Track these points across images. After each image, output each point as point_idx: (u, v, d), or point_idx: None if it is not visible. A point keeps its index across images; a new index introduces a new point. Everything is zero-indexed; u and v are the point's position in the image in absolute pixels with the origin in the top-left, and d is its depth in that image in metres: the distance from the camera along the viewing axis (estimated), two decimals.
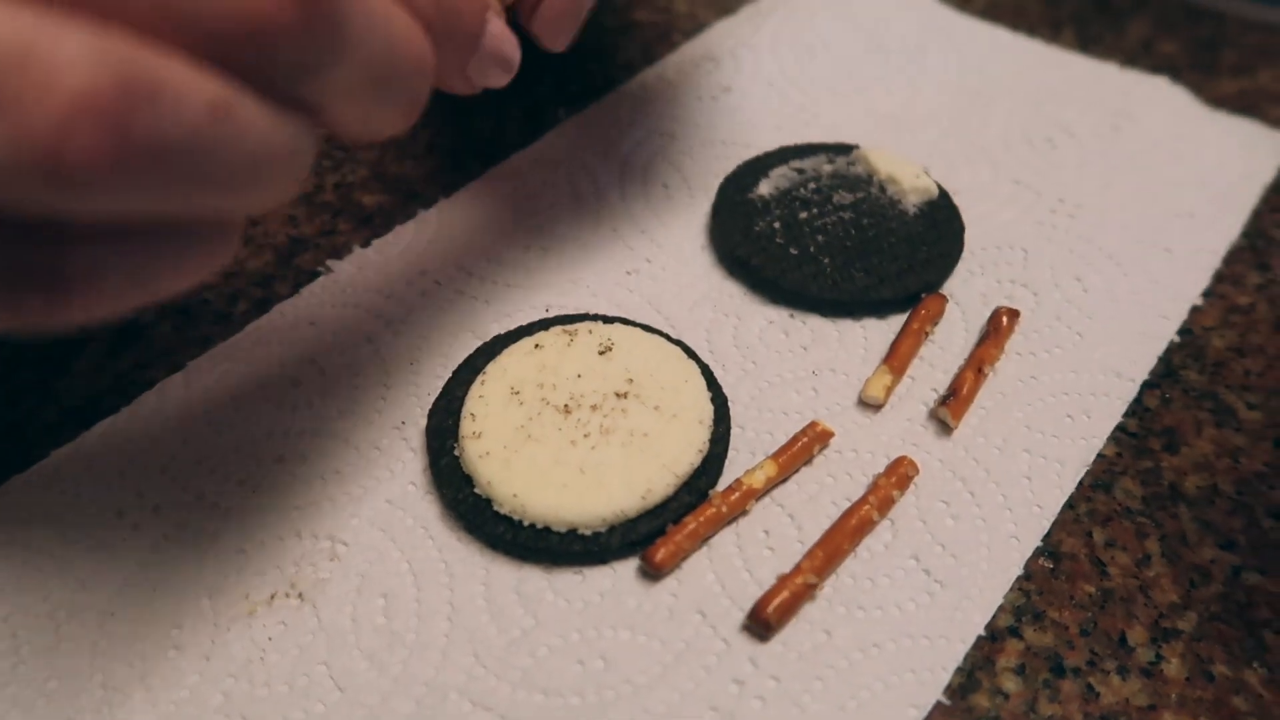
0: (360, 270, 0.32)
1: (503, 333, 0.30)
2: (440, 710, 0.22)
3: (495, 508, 0.25)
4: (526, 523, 0.24)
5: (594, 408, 0.26)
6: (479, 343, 0.29)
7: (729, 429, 0.27)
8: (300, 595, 0.24)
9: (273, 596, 0.24)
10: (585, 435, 0.26)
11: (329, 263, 0.32)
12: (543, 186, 0.35)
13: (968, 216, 0.34)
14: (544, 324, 0.29)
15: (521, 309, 0.31)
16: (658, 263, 0.32)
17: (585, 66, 0.34)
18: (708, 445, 0.26)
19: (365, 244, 0.33)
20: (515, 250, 0.33)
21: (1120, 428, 0.28)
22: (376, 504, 0.26)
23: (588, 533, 0.24)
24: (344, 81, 0.16)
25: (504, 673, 0.23)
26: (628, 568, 0.25)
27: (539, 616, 0.24)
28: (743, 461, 0.27)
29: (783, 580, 0.24)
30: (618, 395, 0.27)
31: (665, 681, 0.23)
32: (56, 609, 0.24)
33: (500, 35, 0.22)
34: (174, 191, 0.14)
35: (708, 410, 0.27)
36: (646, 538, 0.25)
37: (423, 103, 0.19)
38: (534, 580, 0.24)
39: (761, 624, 0.23)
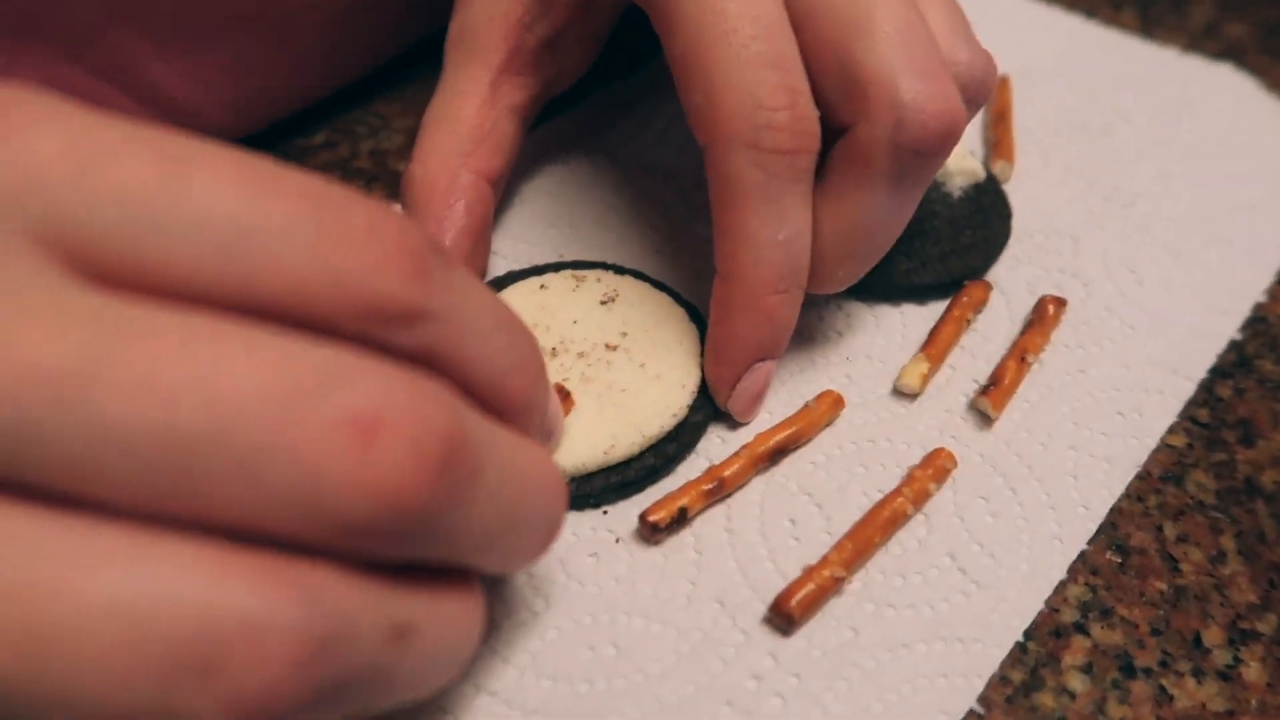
0: None
1: (515, 270, 0.29)
2: (444, 693, 0.21)
3: None
4: None
5: (580, 355, 0.25)
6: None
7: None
8: None
9: None
10: (564, 381, 0.25)
11: None
12: (574, 158, 0.34)
13: (1016, 203, 0.32)
14: (556, 267, 0.29)
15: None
16: (694, 234, 0.31)
17: (622, 39, 0.33)
18: (685, 411, 0.25)
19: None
20: (543, 219, 0.32)
21: (1191, 418, 0.27)
22: None
23: None
24: (485, 536, 0.16)
25: (511, 656, 0.22)
26: (645, 552, 0.23)
27: (549, 599, 0.23)
28: (741, 438, 0.26)
29: (808, 572, 0.22)
30: (607, 347, 0.26)
31: (679, 672, 0.21)
32: None
33: (555, 416, 0.22)
34: (349, 710, 0.15)
35: (694, 376, 0.25)
36: (600, 492, 0.24)
37: (561, 526, 0.19)
38: (545, 562, 0.23)
39: (784, 617, 0.22)
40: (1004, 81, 0.36)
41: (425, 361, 0.16)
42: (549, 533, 0.18)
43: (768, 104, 0.22)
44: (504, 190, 0.31)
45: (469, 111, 0.28)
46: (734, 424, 0.26)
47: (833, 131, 0.24)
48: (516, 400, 0.18)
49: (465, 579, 0.17)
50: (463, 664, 0.17)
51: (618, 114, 0.35)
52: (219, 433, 0.13)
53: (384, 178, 0.34)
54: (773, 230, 0.23)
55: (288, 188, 0.14)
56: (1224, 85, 0.38)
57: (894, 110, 0.22)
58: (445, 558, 0.16)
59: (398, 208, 0.19)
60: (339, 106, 0.36)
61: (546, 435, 0.21)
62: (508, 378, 0.17)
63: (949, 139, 0.22)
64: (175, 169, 0.14)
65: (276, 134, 0.34)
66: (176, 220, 0.14)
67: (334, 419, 0.13)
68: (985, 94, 0.25)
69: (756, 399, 0.25)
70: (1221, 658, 0.22)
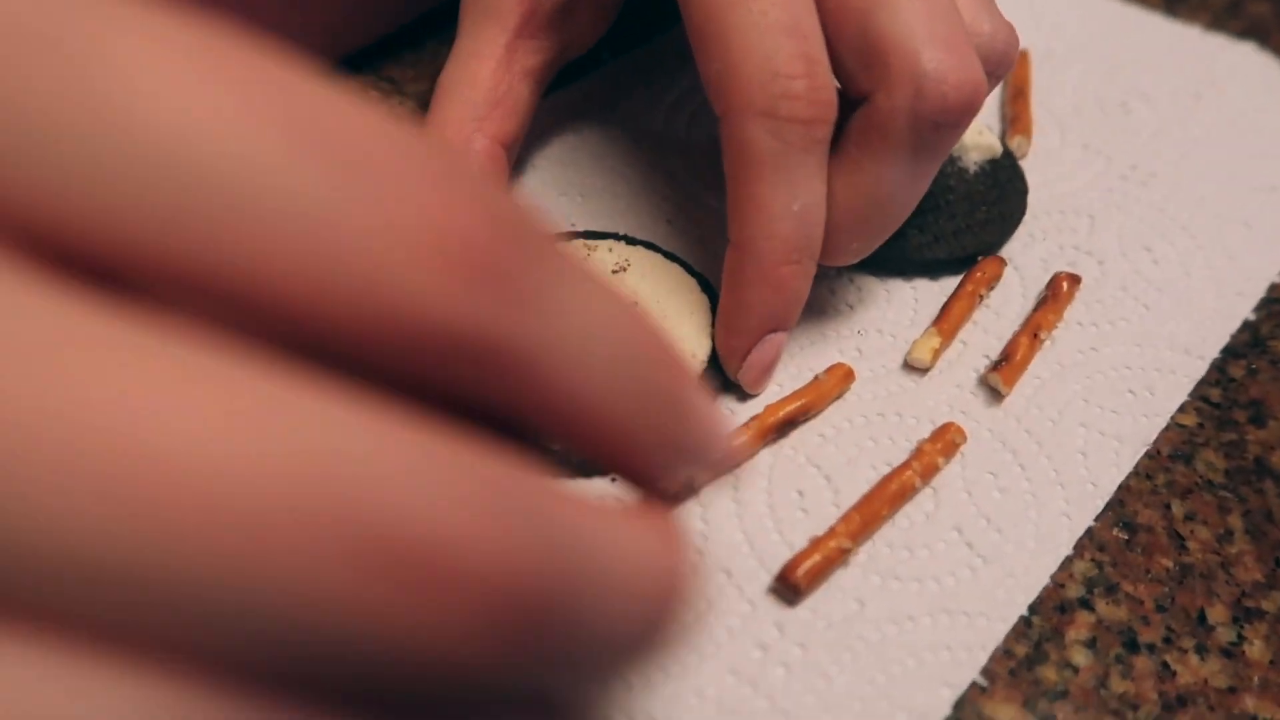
0: None
1: None
2: None
3: None
4: None
5: None
6: None
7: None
8: None
9: None
10: None
11: None
12: (587, 127, 0.34)
13: (1032, 179, 0.32)
14: (567, 236, 0.29)
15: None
16: (706, 205, 0.31)
17: (640, 6, 0.33)
18: None
19: None
20: (555, 188, 0.31)
21: (1203, 398, 0.27)
22: None
23: (555, 446, 0.23)
24: (573, 669, 0.11)
25: None
26: None
27: None
28: (750, 410, 0.25)
29: (815, 543, 0.22)
30: None
31: (684, 642, 0.21)
32: None
33: (707, 439, 0.14)
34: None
35: (703, 347, 0.25)
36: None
37: (676, 625, 0.12)
38: None
39: (790, 587, 0.22)
40: (1023, 57, 0.36)
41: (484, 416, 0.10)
42: (652, 643, 0.12)
43: (785, 72, 0.22)
44: (516, 158, 0.31)
45: (484, 75, 0.27)
46: (743, 395, 0.26)
47: (850, 102, 0.23)
48: (644, 463, 0.12)
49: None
50: None
51: (632, 83, 0.35)
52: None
53: None
54: (786, 200, 0.23)
55: (290, 101, 0.09)
56: (1246, 64, 0.37)
57: (915, 81, 0.22)
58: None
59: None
60: (350, 71, 0.36)
61: (709, 464, 0.14)
62: (625, 430, 0.12)
63: (969, 110, 0.22)
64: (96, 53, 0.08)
65: None
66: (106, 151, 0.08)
67: (356, 541, 0.08)
68: (1007, 66, 0.24)
69: (767, 371, 0.25)
70: (1225, 635, 0.22)
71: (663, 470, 0.13)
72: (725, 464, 0.15)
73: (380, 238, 0.09)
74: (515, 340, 0.10)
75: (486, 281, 0.09)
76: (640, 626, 0.12)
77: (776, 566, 0.23)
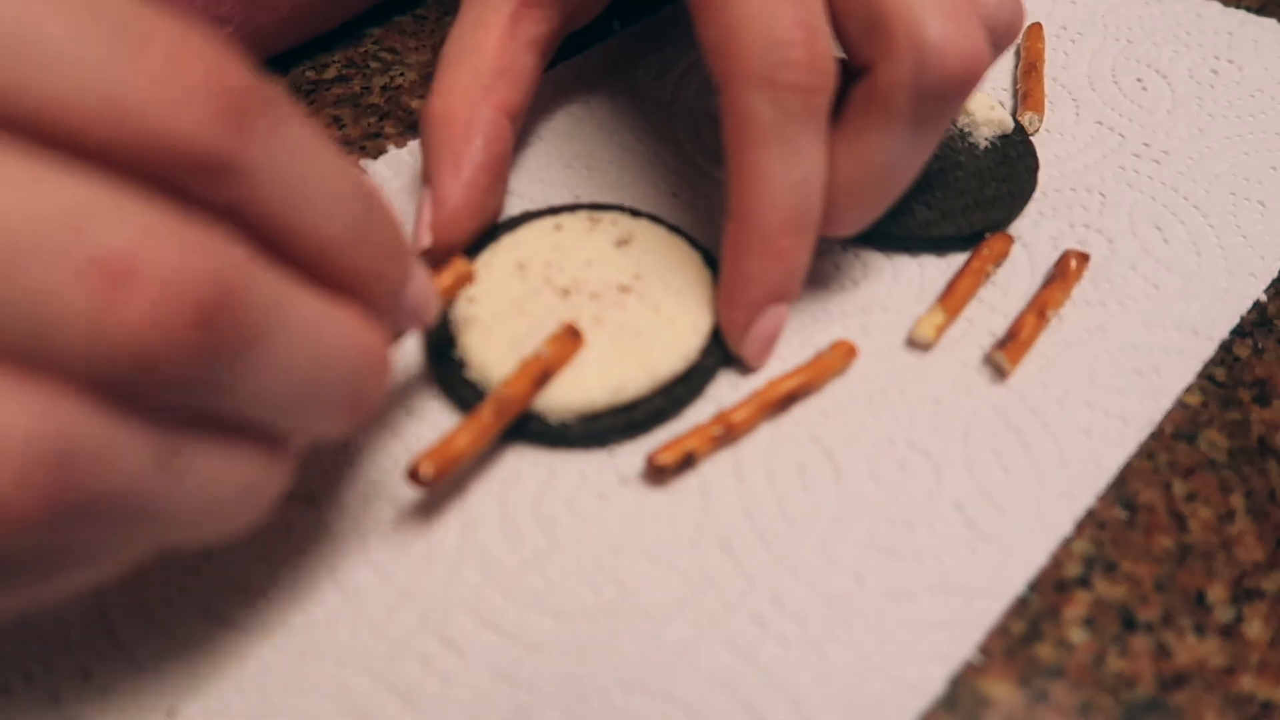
0: (396, 174, 0.31)
1: (531, 209, 0.29)
2: (445, 626, 0.21)
3: (466, 372, 0.24)
4: (491, 393, 0.23)
5: (593, 296, 0.25)
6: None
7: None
8: (310, 498, 0.23)
9: (282, 497, 0.23)
10: (575, 321, 0.25)
11: (363, 163, 0.31)
12: (594, 98, 0.33)
13: (1043, 156, 0.32)
14: (572, 208, 0.28)
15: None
16: (712, 178, 0.31)
17: None
18: (696, 355, 0.25)
19: (404, 147, 0.32)
20: (560, 159, 0.31)
21: (1208, 377, 0.26)
22: (393, 410, 0.25)
23: (553, 419, 0.24)
24: (273, 398, 0.15)
25: (513, 593, 0.22)
26: (651, 495, 0.23)
27: (554, 538, 0.23)
28: (751, 385, 0.25)
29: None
30: (620, 289, 0.25)
31: (681, 615, 0.22)
32: None
33: (420, 292, 0.20)
34: (118, 537, 0.14)
35: (707, 320, 0.25)
36: (608, 433, 0.24)
37: (374, 399, 0.18)
38: (551, 500, 0.23)
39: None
40: (1037, 31, 0.35)
41: (228, 218, 0.15)
42: (355, 406, 0.17)
43: (784, 40, 0.21)
44: (522, 129, 0.31)
45: (490, 44, 0.27)
46: (745, 370, 0.26)
47: (852, 71, 0.23)
48: (349, 273, 0.17)
49: (263, 438, 0.17)
50: (256, 509, 0.17)
51: (638, 55, 0.35)
52: None
53: (397, 114, 0.33)
54: (786, 170, 0.22)
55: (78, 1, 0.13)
56: (1266, 40, 0.36)
57: (917, 50, 0.21)
58: (226, 415, 0.15)
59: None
60: (351, 40, 0.35)
61: (411, 315, 0.20)
62: (339, 250, 0.16)
63: (970, 81, 0.22)
64: None
65: (286, 65, 0.34)
66: None
67: (82, 260, 0.13)
68: (1012, 36, 0.24)
69: (769, 344, 0.25)
70: (1224, 615, 0.22)
71: (363, 287, 0.17)
72: (426, 313, 0.20)
73: (148, 91, 0.13)
74: (247, 161, 0.14)
75: (227, 122, 0.14)
76: (327, 383, 0.16)
77: (775, 542, 0.23)
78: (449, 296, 0.23)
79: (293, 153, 0.15)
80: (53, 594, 0.15)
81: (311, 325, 0.16)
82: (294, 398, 0.16)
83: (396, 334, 0.21)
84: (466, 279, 0.23)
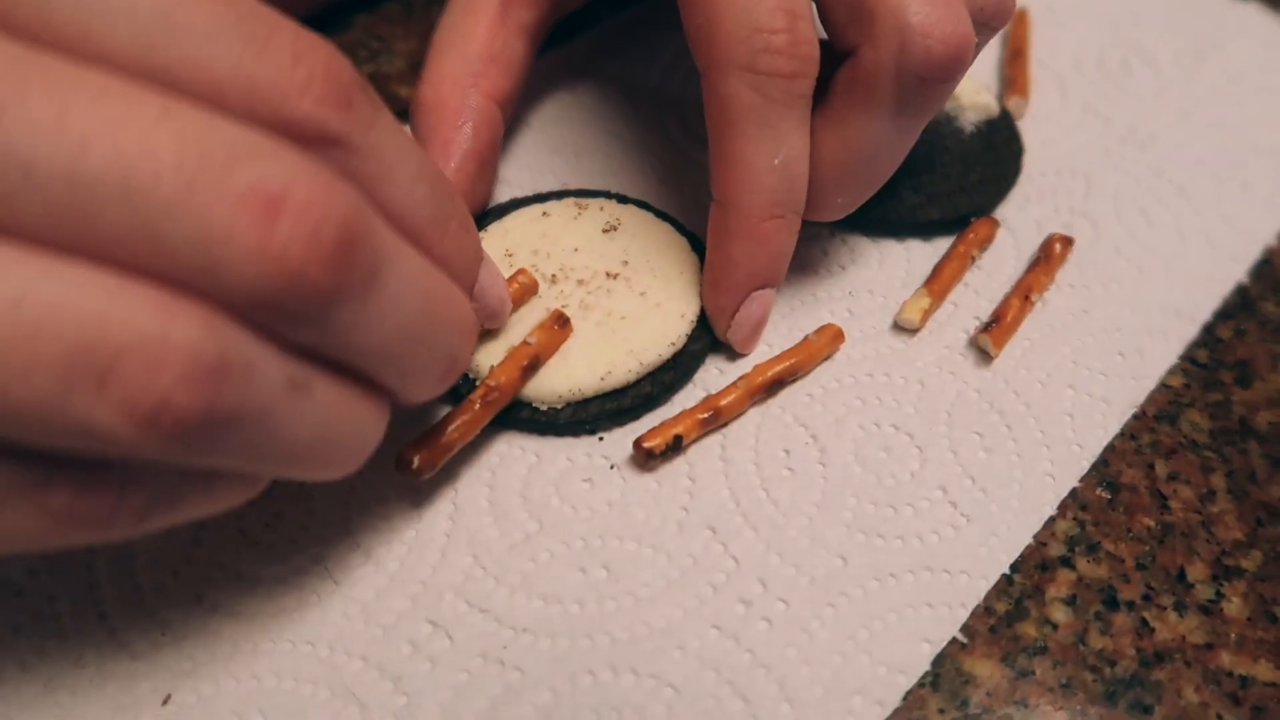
0: None
1: (519, 196, 0.29)
2: (435, 609, 0.22)
3: None
4: (480, 382, 0.23)
5: (580, 283, 0.25)
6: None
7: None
8: (300, 485, 0.23)
9: (273, 485, 0.23)
10: (563, 308, 0.25)
11: None
12: (582, 85, 0.33)
13: (1029, 140, 0.32)
14: (559, 194, 0.28)
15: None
16: (699, 164, 0.31)
17: None
18: (683, 340, 0.25)
19: None
20: (548, 146, 0.31)
21: (1190, 359, 0.27)
22: None
23: (541, 406, 0.24)
24: (384, 334, 0.17)
25: (503, 576, 0.22)
26: (639, 479, 0.24)
27: (543, 521, 0.23)
28: (739, 369, 0.26)
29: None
30: (608, 275, 0.26)
31: (669, 596, 0.22)
32: None
33: (493, 291, 0.23)
34: (245, 458, 0.15)
35: (694, 306, 0.25)
36: (596, 418, 0.24)
37: (465, 363, 0.19)
38: (539, 485, 0.23)
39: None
40: (1022, 16, 0.35)
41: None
42: (451, 363, 0.19)
43: (765, 26, 0.21)
44: (512, 115, 0.31)
45: (479, 30, 0.27)
46: (733, 355, 0.26)
47: (836, 54, 0.23)
48: (435, 254, 0.18)
49: (372, 387, 0.18)
50: (360, 453, 0.18)
51: (626, 42, 0.35)
52: (125, 183, 0.13)
53: (385, 102, 0.33)
54: (768, 155, 0.23)
55: None
56: (1251, 25, 0.37)
57: (899, 34, 0.21)
58: (343, 355, 0.16)
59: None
60: (339, 28, 0.35)
61: (487, 313, 0.22)
62: (424, 228, 0.18)
63: (956, 65, 0.22)
64: None
65: None
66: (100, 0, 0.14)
67: (240, 191, 0.14)
68: (1001, 20, 0.24)
69: (756, 329, 0.25)
70: (1204, 592, 0.22)
71: (447, 266, 0.19)
72: (503, 310, 0.23)
73: (276, 76, 0.15)
74: (355, 140, 0.16)
75: (339, 107, 0.16)
76: (430, 335, 0.18)
77: (763, 525, 0.23)
78: (514, 304, 0.24)
79: (388, 138, 0.17)
80: (173, 516, 0.16)
81: (420, 278, 0.17)
82: (401, 343, 0.17)
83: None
84: (531, 290, 0.25)
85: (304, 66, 0.15)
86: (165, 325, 0.14)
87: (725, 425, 0.25)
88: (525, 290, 0.25)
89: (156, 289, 0.14)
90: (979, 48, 0.23)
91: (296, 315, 0.15)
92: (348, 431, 0.17)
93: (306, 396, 0.16)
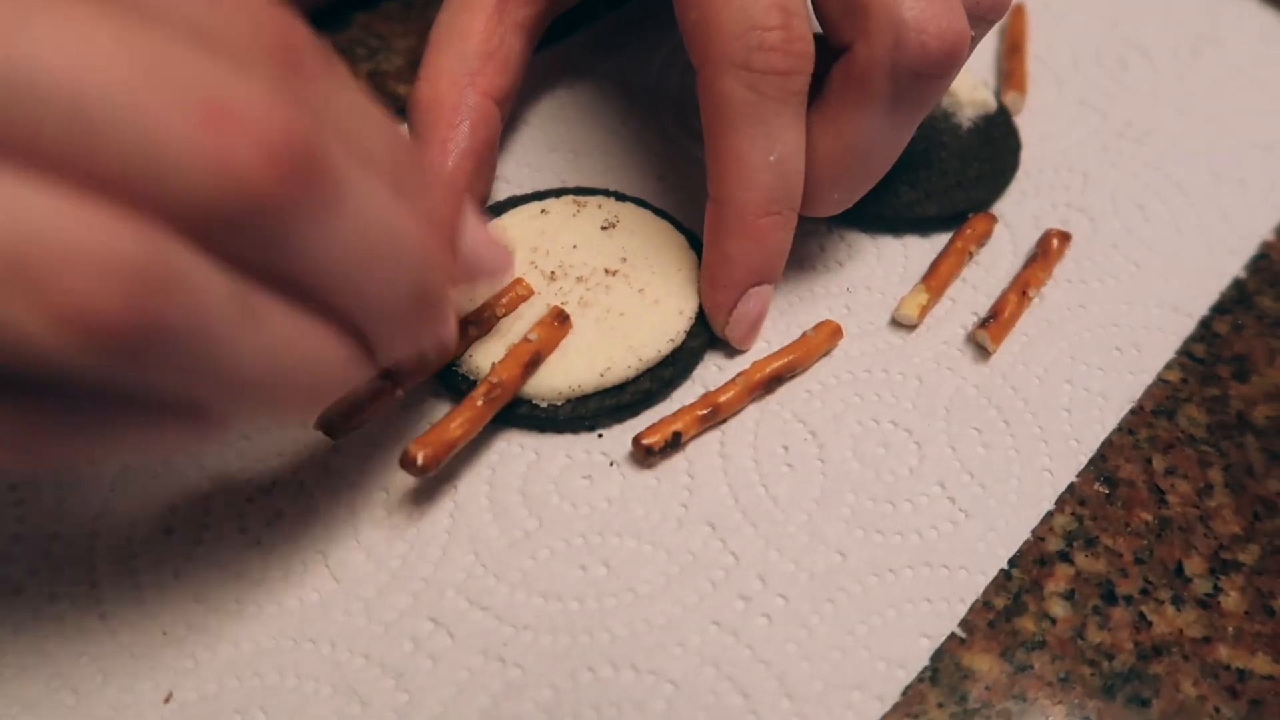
0: None
1: (518, 194, 0.29)
2: (436, 606, 0.22)
3: (454, 364, 0.24)
4: (482, 379, 0.24)
5: (579, 280, 0.26)
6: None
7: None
8: (301, 483, 0.23)
9: (274, 484, 0.23)
10: (562, 305, 0.25)
11: None
12: (580, 83, 0.33)
13: (1026, 135, 0.32)
14: (558, 192, 0.28)
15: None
16: (697, 161, 0.31)
17: None
18: (682, 337, 0.25)
19: None
20: (546, 144, 0.31)
21: (1187, 354, 0.27)
22: None
23: (541, 403, 0.24)
24: (343, 258, 0.16)
25: (503, 573, 0.22)
26: (638, 475, 0.24)
27: (543, 519, 0.23)
28: (737, 366, 0.26)
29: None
30: (606, 272, 0.26)
31: (668, 593, 0.22)
32: None
33: (476, 243, 0.21)
34: (186, 378, 0.15)
35: (692, 303, 0.26)
36: (595, 415, 0.24)
37: (438, 306, 0.19)
38: (539, 483, 0.24)
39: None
40: (1019, 11, 0.36)
41: None
42: (420, 298, 0.18)
43: (760, 24, 0.21)
44: (509, 113, 0.31)
45: (476, 27, 0.27)
46: (731, 352, 0.26)
47: (831, 50, 0.23)
48: (404, 190, 0.18)
49: (339, 327, 0.17)
50: (319, 392, 0.17)
51: (623, 39, 0.35)
52: (74, 86, 0.13)
53: (383, 100, 0.33)
54: (763, 152, 0.23)
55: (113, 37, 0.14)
56: (1248, 20, 0.37)
57: (894, 30, 0.21)
58: (300, 278, 0.16)
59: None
60: (337, 26, 0.35)
61: (467, 271, 0.21)
62: (390, 172, 0.18)
63: (951, 61, 0.22)
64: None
65: None
66: None
67: (192, 101, 0.14)
68: (997, 14, 0.24)
69: (754, 325, 0.25)
70: (1202, 586, 0.23)
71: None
72: (483, 265, 0.21)
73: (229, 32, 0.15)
74: (310, 100, 0.16)
75: (287, 60, 0.16)
76: (391, 263, 0.17)
77: (761, 521, 0.23)
78: (509, 309, 0.25)
79: (340, 95, 0.17)
80: (115, 444, 0.16)
81: (381, 206, 0.17)
82: (359, 267, 0.16)
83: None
84: (526, 297, 0.25)
85: (250, 17, 0.15)
86: (105, 234, 0.13)
87: (724, 422, 0.25)
88: (519, 300, 0.25)
89: (100, 199, 0.14)
90: (975, 42, 0.23)
91: (245, 228, 0.14)
92: (303, 365, 0.17)
93: (256, 319, 0.15)
